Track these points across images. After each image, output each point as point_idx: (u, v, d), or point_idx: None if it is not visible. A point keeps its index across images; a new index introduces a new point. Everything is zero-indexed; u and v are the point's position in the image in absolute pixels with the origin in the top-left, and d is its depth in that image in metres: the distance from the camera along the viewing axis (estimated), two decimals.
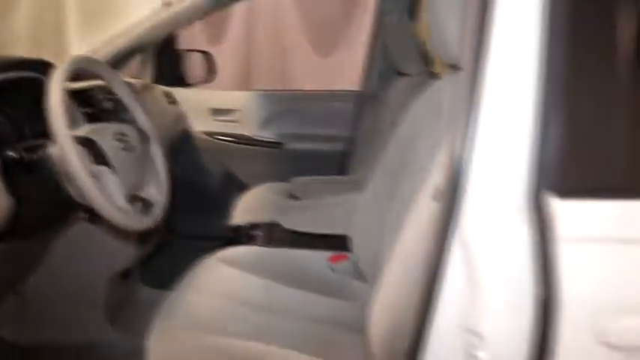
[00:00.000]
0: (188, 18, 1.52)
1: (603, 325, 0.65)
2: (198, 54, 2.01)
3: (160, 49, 1.85)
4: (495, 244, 0.65)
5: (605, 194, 0.65)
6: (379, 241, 1.00)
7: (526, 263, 0.65)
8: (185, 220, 1.90)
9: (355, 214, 1.18)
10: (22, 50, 2.84)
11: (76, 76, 1.06)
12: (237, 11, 2.74)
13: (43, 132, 0.97)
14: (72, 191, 1.00)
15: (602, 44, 0.65)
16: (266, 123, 2.19)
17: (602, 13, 0.65)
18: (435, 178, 0.76)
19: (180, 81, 2.00)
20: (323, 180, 1.97)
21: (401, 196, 0.96)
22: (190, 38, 2.50)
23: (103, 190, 0.97)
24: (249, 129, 2.18)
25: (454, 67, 0.83)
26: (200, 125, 2.17)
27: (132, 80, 1.68)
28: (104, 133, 1.04)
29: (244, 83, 2.78)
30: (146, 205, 1.11)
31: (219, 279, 1.19)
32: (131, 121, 1.18)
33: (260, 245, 1.42)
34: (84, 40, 2.76)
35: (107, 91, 1.29)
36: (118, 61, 1.47)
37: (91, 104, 1.30)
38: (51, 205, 1.10)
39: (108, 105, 1.32)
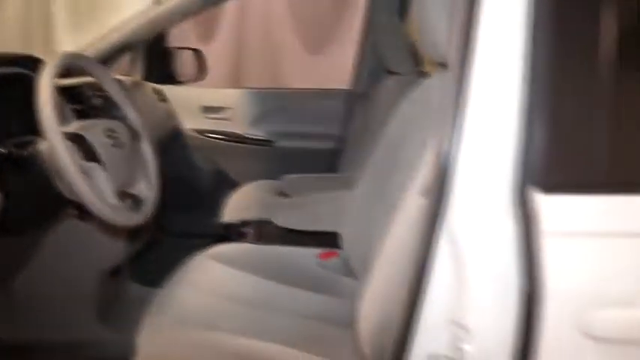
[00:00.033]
0: (179, 16, 1.52)
1: (587, 318, 0.66)
2: (189, 52, 2.01)
3: (150, 47, 1.84)
4: (482, 239, 0.67)
5: (589, 189, 0.66)
6: (369, 237, 1.00)
7: (512, 257, 0.66)
8: (175, 218, 1.90)
9: (345, 212, 1.19)
10: (12, 46, 2.82)
11: (65, 72, 1.06)
12: (228, 9, 2.73)
13: (32, 128, 0.97)
14: (61, 187, 1.00)
15: (586, 46, 0.66)
16: (257, 121, 2.18)
17: (586, 14, 0.66)
18: (423, 175, 0.77)
19: (171, 79, 2.00)
20: (313, 178, 1.97)
21: (390, 193, 0.97)
22: (181, 36, 2.49)
23: (93, 187, 0.96)
24: (239, 127, 2.18)
25: (443, 66, 0.84)
26: (191, 123, 2.17)
27: (122, 77, 1.67)
28: (94, 130, 1.04)
29: (235, 81, 2.77)
30: (136, 201, 1.11)
31: (210, 276, 1.19)
32: (121, 118, 1.18)
33: (250, 242, 1.43)
34: (73, 37, 2.74)
35: (97, 87, 1.28)
36: (109, 58, 1.47)
37: (80, 101, 1.29)
38: (40, 201, 1.10)
39: (98, 102, 1.32)
